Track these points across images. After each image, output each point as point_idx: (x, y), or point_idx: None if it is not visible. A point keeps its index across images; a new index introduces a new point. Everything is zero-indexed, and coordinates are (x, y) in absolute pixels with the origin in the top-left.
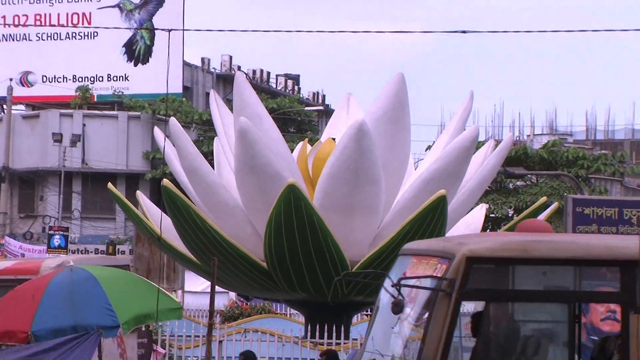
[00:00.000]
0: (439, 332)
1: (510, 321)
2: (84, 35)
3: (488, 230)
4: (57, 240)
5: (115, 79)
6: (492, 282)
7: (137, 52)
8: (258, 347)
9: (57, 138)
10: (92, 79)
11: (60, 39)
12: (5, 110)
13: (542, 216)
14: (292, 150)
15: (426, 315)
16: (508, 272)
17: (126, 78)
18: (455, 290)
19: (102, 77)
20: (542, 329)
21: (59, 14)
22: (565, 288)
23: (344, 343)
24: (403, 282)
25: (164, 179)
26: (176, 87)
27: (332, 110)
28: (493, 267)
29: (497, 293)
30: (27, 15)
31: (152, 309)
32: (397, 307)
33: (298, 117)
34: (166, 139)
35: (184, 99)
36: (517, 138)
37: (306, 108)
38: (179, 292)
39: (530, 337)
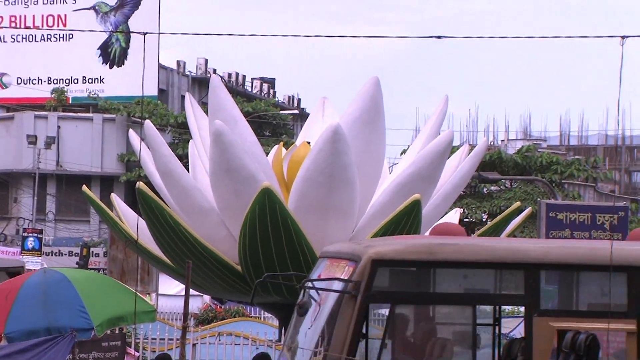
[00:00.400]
0: (344, 334)
1: (416, 323)
2: (59, 37)
3: None
4: (31, 243)
5: (90, 81)
6: (399, 284)
7: (113, 54)
8: (232, 350)
9: (32, 140)
10: (67, 81)
11: (36, 41)
12: None
13: (516, 221)
14: (267, 154)
15: (334, 316)
16: (414, 274)
17: (101, 80)
18: (361, 292)
19: (78, 79)
20: (451, 331)
21: (34, 16)
22: (471, 290)
23: None
24: (316, 284)
25: (139, 182)
26: (151, 90)
27: (308, 114)
28: (399, 269)
29: (404, 295)
30: (2, 17)
31: (126, 312)
32: (302, 308)
33: (273, 120)
34: (141, 141)
35: (159, 101)
36: (492, 143)
37: (281, 111)
38: (153, 294)
39: (438, 339)
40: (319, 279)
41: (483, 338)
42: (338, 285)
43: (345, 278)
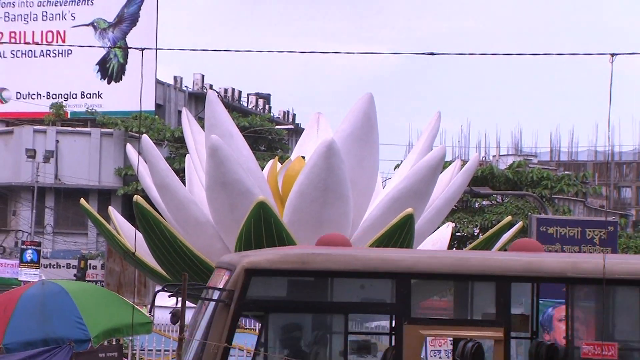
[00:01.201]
0: (217, 341)
1: (290, 331)
2: (58, 53)
3: (454, 249)
4: (29, 255)
5: (88, 96)
6: (273, 293)
7: (111, 70)
8: None
9: (31, 154)
10: (65, 96)
11: (35, 57)
12: None
13: (507, 235)
14: (262, 168)
15: (210, 324)
16: (287, 283)
17: (99, 95)
18: (234, 301)
19: (76, 94)
20: (324, 339)
21: (33, 32)
22: (342, 299)
23: None
24: (193, 291)
25: (136, 195)
26: (149, 105)
27: (302, 129)
28: (273, 278)
29: (277, 304)
30: (2, 33)
31: (122, 323)
32: (174, 317)
33: (269, 135)
34: (139, 155)
35: (156, 116)
36: (483, 158)
37: (276, 127)
38: (149, 306)
39: (313, 347)
40: (196, 287)
41: (358, 346)
42: (215, 294)
43: (220, 287)
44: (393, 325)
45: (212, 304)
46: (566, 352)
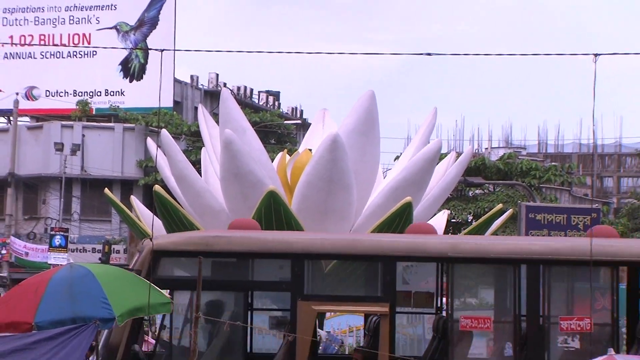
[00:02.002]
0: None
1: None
2: (84, 54)
3: (450, 234)
4: (57, 240)
5: (112, 93)
6: (178, 272)
7: (132, 69)
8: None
9: (59, 147)
10: (91, 94)
11: (63, 57)
12: (11, 122)
13: (498, 221)
14: (272, 160)
15: None
16: (191, 263)
17: (122, 93)
18: None
19: (100, 92)
20: (227, 316)
21: (61, 35)
22: (242, 278)
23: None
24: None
25: (156, 185)
26: (167, 102)
27: (309, 124)
28: (178, 259)
29: (182, 283)
30: (32, 36)
31: (144, 303)
32: None
33: (278, 130)
34: (158, 148)
35: (174, 112)
36: (476, 151)
37: (285, 122)
38: None
39: (214, 323)
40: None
41: (265, 321)
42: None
43: (131, 267)
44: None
45: None
46: (451, 324)
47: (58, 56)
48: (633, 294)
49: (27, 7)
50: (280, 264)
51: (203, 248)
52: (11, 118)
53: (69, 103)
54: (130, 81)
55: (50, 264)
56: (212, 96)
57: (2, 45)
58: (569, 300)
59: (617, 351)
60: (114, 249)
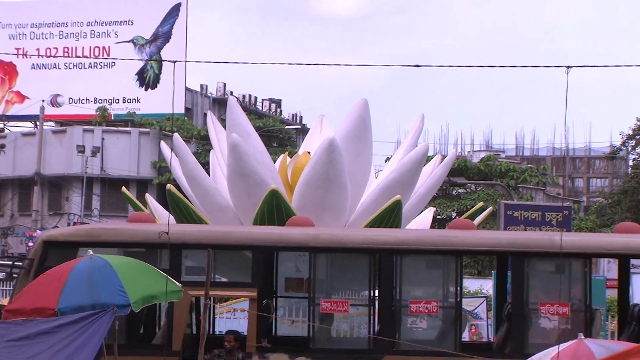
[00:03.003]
0: None
1: None
2: (104, 65)
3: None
4: None
5: (129, 101)
6: (65, 261)
7: (148, 79)
8: (245, 324)
9: (81, 149)
10: (109, 101)
11: (84, 68)
12: (38, 126)
13: (479, 218)
14: (274, 162)
15: (14, 287)
16: (78, 253)
17: (138, 100)
18: (34, 268)
19: (118, 99)
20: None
21: (83, 47)
22: None
23: None
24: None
25: (169, 184)
26: (179, 108)
27: (308, 129)
28: (67, 249)
29: None
30: (57, 48)
31: (158, 291)
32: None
33: (280, 134)
34: (171, 151)
35: (185, 118)
36: (460, 153)
37: (286, 127)
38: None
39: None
40: (18, 258)
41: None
42: (24, 263)
43: (27, 257)
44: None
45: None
46: (313, 308)
47: (80, 67)
48: (622, 283)
49: (53, 22)
50: (160, 253)
51: (87, 239)
52: (38, 123)
53: (90, 109)
54: (146, 90)
55: None
56: (220, 103)
57: (30, 57)
58: (420, 285)
59: (461, 331)
60: None
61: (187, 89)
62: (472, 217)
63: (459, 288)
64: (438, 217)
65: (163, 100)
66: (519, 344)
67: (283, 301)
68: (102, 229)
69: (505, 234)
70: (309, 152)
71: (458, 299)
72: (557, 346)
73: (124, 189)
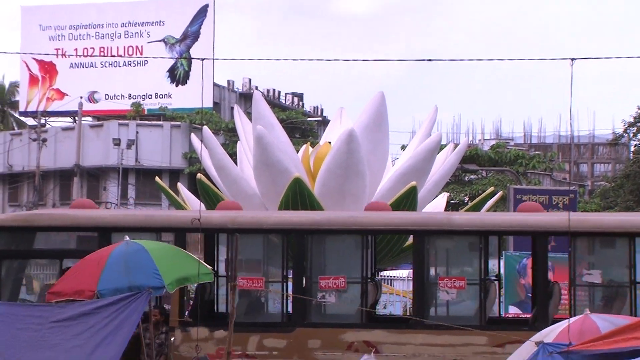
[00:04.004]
0: None
1: (19, 273)
2: (137, 63)
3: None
4: None
5: (161, 96)
6: (4, 245)
7: (178, 76)
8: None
9: (116, 142)
10: (143, 97)
11: (119, 66)
12: (77, 121)
13: (490, 202)
14: (297, 152)
15: None
16: (16, 237)
17: (169, 96)
18: None
19: (151, 95)
20: (45, 279)
21: (118, 47)
22: (58, 248)
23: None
24: None
25: (199, 174)
26: (208, 103)
27: (329, 121)
28: (4, 234)
29: (8, 253)
30: (93, 48)
31: (190, 273)
32: None
33: (302, 126)
34: (201, 143)
35: (214, 112)
36: (471, 142)
37: (308, 119)
38: None
39: (36, 286)
40: None
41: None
42: None
43: None
44: None
45: None
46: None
47: (115, 65)
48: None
49: (89, 24)
50: (89, 236)
51: (24, 224)
52: (76, 118)
53: (125, 105)
54: (177, 86)
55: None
56: (245, 98)
57: (69, 57)
58: (331, 262)
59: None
60: None
61: (215, 85)
62: (484, 201)
63: (371, 264)
64: (452, 201)
65: (193, 96)
66: (423, 313)
67: (223, 280)
68: (40, 215)
69: (410, 215)
70: (329, 143)
71: (369, 274)
72: (566, 320)
73: (157, 178)
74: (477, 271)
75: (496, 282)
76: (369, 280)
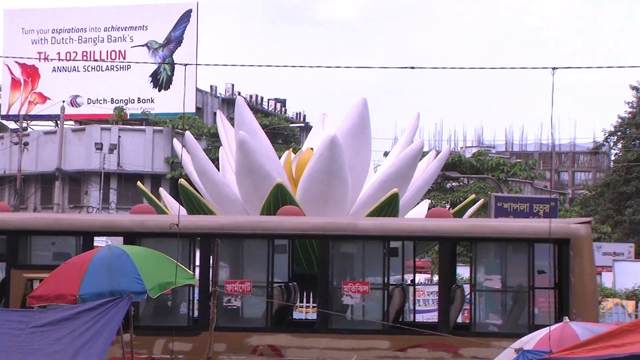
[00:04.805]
0: None
1: None
2: (120, 68)
3: None
4: None
5: (143, 101)
6: None
7: (161, 80)
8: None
9: (99, 146)
10: (125, 101)
11: (102, 71)
12: (59, 125)
13: (472, 209)
14: (279, 157)
15: None
16: None
17: (152, 101)
18: None
19: (134, 99)
20: None
21: (100, 51)
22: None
23: None
24: None
25: (181, 179)
26: (190, 108)
27: (311, 127)
28: None
29: None
30: (76, 52)
31: (172, 279)
32: None
33: (284, 131)
34: (183, 148)
35: (196, 117)
36: (453, 149)
37: (291, 125)
38: None
39: None
40: None
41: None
42: None
43: None
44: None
45: None
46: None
47: (98, 70)
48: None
49: (72, 28)
50: (2, 239)
51: None
52: (58, 122)
53: (107, 109)
54: (159, 90)
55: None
56: (228, 103)
57: (51, 61)
58: (238, 267)
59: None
60: None
61: (197, 90)
62: (465, 208)
63: (270, 269)
64: (433, 208)
65: (175, 101)
66: (327, 317)
67: None
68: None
69: (312, 220)
70: (312, 149)
71: (271, 279)
72: (546, 328)
73: (139, 183)
74: (381, 276)
75: (409, 288)
76: (281, 285)
